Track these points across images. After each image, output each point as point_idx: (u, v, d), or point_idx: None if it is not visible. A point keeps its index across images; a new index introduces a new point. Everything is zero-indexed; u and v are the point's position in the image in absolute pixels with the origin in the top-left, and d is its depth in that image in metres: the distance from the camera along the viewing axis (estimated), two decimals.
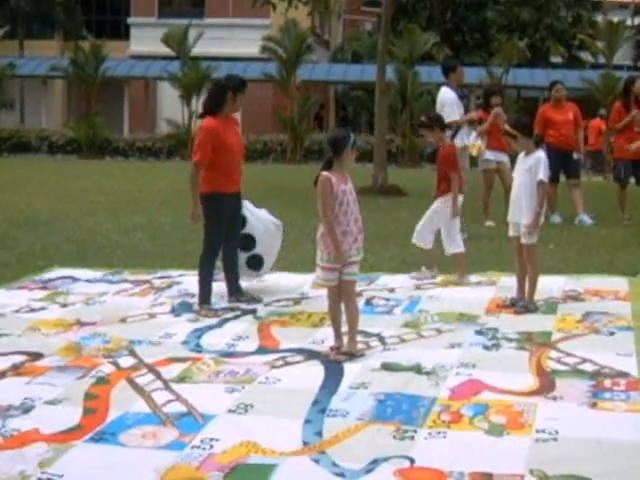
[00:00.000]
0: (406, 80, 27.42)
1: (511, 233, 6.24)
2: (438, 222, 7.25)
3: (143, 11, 35.02)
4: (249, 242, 6.69)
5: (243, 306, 6.40)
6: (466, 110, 10.09)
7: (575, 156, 11.30)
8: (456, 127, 9.58)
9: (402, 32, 29.38)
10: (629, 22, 37.31)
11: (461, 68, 10.04)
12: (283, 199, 13.36)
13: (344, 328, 5.18)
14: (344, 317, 5.16)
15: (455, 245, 7.18)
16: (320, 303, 6.30)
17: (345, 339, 5.15)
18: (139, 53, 33.68)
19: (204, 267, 6.37)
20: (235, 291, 6.57)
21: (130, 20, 35.49)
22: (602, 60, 34.69)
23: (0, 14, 33.76)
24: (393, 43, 26.12)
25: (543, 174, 5.96)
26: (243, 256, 6.71)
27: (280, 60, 28.14)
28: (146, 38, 33.27)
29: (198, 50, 29.19)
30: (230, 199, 6.35)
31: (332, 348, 5.15)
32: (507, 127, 6.16)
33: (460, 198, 7.20)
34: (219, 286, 6.73)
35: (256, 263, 6.78)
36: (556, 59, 37.58)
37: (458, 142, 9.59)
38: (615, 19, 33.88)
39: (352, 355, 5.03)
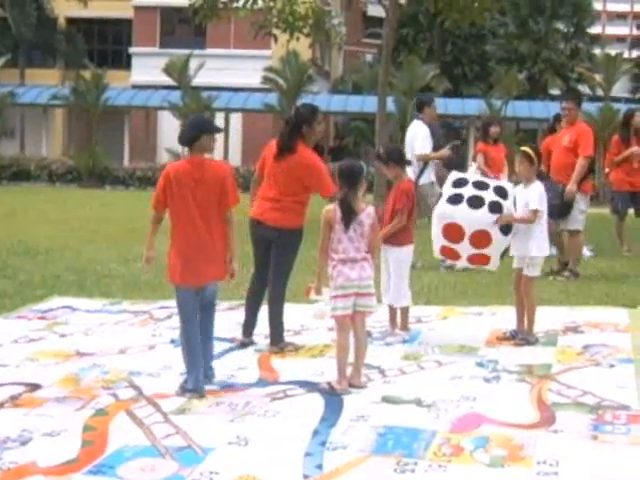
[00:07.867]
0: (406, 111, 27.60)
1: (515, 265, 6.25)
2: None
3: (145, 41, 35.30)
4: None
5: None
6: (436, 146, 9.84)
7: None
8: (424, 162, 9.50)
9: (402, 64, 29.68)
10: (627, 55, 37.63)
11: (435, 104, 9.91)
12: None
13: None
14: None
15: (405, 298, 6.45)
16: (320, 335, 6.29)
17: (349, 370, 5.12)
18: (140, 82, 33.90)
19: (277, 305, 6.07)
20: None
21: (132, 50, 35.76)
22: (600, 92, 34.95)
23: (1, 42, 33.98)
24: (393, 75, 26.33)
25: (538, 203, 5.99)
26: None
27: (281, 91, 28.31)
28: (147, 68, 33.51)
29: (199, 80, 29.41)
30: None
31: (330, 383, 5.07)
32: (525, 148, 6.16)
33: (411, 247, 6.46)
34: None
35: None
36: (554, 91, 37.87)
37: (425, 179, 9.50)
38: (613, 52, 34.18)
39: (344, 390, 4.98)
